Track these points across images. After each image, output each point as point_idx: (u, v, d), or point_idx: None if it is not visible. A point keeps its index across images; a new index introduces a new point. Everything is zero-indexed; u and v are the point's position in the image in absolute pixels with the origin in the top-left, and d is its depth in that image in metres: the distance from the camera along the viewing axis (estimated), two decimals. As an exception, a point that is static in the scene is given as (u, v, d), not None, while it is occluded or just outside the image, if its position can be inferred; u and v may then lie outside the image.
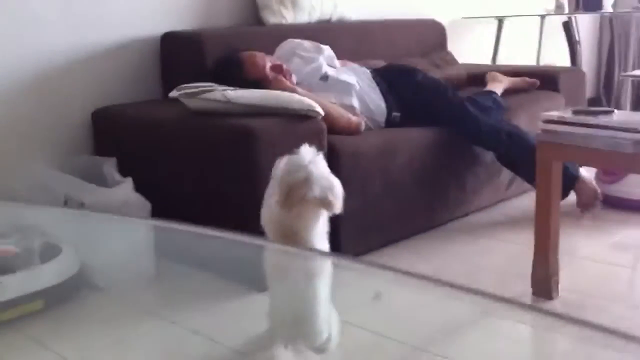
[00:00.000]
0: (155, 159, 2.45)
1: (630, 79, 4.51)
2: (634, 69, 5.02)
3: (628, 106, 4.62)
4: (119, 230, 2.28)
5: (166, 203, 2.41)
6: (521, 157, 2.73)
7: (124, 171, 2.43)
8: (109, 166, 2.42)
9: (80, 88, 2.67)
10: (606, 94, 5.15)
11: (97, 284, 2.26)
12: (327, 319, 1.72)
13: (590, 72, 4.86)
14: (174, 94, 2.33)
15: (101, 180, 2.40)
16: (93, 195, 2.28)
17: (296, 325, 1.70)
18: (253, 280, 2.16)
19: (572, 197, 2.76)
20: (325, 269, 1.77)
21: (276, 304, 1.78)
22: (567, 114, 2.01)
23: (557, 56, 4.68)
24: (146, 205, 2.33)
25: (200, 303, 2.14)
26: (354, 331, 1.91)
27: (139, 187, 2.35)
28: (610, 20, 5.04)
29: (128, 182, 2.34)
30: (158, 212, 2.37)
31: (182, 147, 2.35)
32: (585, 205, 2.78)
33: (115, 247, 2.27)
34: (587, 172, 2.84)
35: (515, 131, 2.74)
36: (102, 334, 1.95)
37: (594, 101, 4.97)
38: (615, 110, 2.02)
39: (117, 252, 2.27)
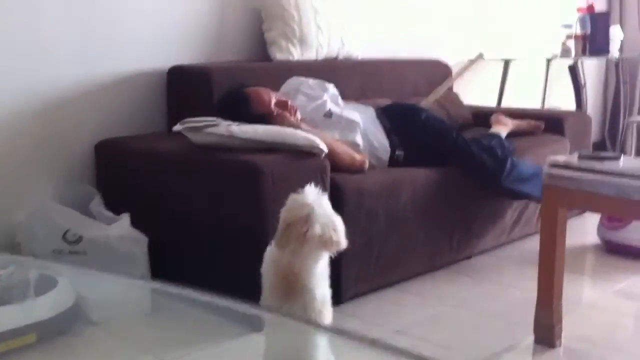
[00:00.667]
0: (157, 192, 2.43)
1: (636, 124, 4.49)
2: (639, 113, 5.01)
3: (633, 151, 4.60)
4: (116, 266, 2.25)
5: (165, 238, 2.38)
6: (525, 174, 2.71)
7: (123, 203, 2.41)
8: (96, 203, 2.42)
9: (85, 119, 2.66)
10: (611, 138, 5.14)
11: (91, 319, 2.22)
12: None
13: (595, 115, 4.85)
14: (177, 127, 2.32)
15: (90, 215, 2.39)
16: (91, 229, 2.26)
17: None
18: (250, 319, 2.12)
19: (574, 240, 2.73)
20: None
21: (271, 345, 1.74)
22: (574, 159, 1.99)
23: (562, 99, 4.68)
24: (143, 239, 2.31)
25: (196, 342, 2.10)
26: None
27: (137, 220, 2.33)
28: (617, 65, 5.05)
29: (125, 218, 2.32)
30: (156, 246, 2.34)
31: (184, 181, 2.33)
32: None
33: (111, 280, 2.24)
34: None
35: (518, 160, 2.74)
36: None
37: (598, 145, 4.96)
38: (622, 156, 2.00)
39: (112, 286, 2.24)
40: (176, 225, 2.37)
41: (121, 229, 2.29)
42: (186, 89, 2.78)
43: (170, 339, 2.13)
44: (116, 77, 2.73)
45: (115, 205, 2.45)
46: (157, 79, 2.82)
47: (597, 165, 1.93)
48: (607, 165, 1.92)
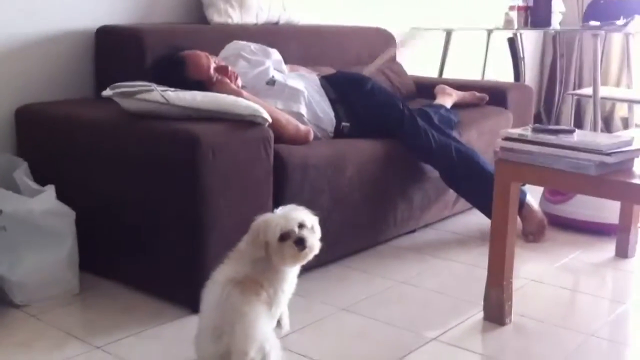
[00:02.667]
0: (84, 162, 2.24)
1: (574, 97, 4.53)
2: (574, 87, 5.07)
3: (571, 124, 4.65)
4: (40, 243, 2.07)
5: (95, 211, 2.21)
6: (467, 181, 2.66)
7: (47, 175, 2.22)
8: (21, 172, 2.20)
9: (4, 82, 2.43)
10: (546, 111, 5.18)
11: (13, 301, 2.04)
12: (261, 342, 1.57)
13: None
14: (107, 92, 2.13)
15: (14, 186, 2.18)
16: (12, 203, 2.06)
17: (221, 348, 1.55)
18: (187, 299, 1.99)
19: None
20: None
21: (204, 328, 1.63)
22: (528, 132, 1.93)
23: (500, 71, 4.67)
24: (70, 214, 2.13)
25: (129, 325, 1.95)
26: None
27: (64, 193, 2.15)
28: (554, 38, 5.08)
29: (50, 191, 2.13)
30: (84, 221, 2.17)
31: (114, 151, 2.15)
32: (531, 233, 2.73)
33: (35, 259, 2.06)
34: (533, 200, 2.80)
35: (466, 152, 2.66)
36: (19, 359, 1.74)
37: (534, 118, 4.99)
38: (576, 130, 1.95)
39: (36, 265, 2.06)
40: (105, 199, 2.20)
41: (45, 202, 2.10)
42: (116, 51, 2.58)
43: (101, 322, 1.98)
44: (38, 37, 2.50)
45: (39, 178, 2.26)
46: (84, 40, 2.61)
47: (552, 138, 1.87)
48: (562, 139, 1.86)
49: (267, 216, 1.65)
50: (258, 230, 1.63)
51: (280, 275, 1.67)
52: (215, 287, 1.62)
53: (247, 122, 2.09)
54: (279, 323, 1.78)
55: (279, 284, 1.67)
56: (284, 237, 1.61)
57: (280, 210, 1.66)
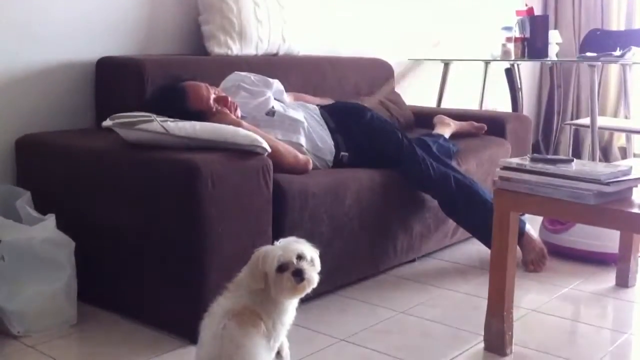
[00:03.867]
0: (84, 193, 2.25)
1: (572, 127, 4.55)
2: (572, 117, 5.10)
3: (570, 154, 4.66)
4: (39, 272, 2.06)
5: (94, 242, 2.20)
6: (466, 210, 2.66)
7: (47, 205, 2.22)
8: (23, 202, 2.20)
9: (4, 112, 2.45)
10: (545, 141, 5.21)
11: (11, 331, 2.03)
12: None
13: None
14: (107, 123, 2.15)
15: (15, 215, 2.18)
16: (11, 232, 2.06)
17: None
18: (186, 330, 1.97)
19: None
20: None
21: (202, 358, 1.61)
22: (526, 162, 1.94)
23: (498, 102, 4.71)
24: (70, 244, 2.12)
25: (127, 356, 1.94)
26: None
27: (64, 223, 2.14)
28: (551, 69, 5.12)
29: (50, 220, 2.13)
30: (84, 251, 2.16)
31: (114, 181, 2.16)
32: (532, 262, 2.73)
33: (35, 290, 2.05)
34: (532, 229, 2.80)
35: (464, 182, 2.66)
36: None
37: (532, 148, 5.01)
38: (574, 160, 1.95)
39: (34, 295, 2.05)
40: (106, 229, 2.20)
41: (45, 231, 2.10)
42: (116, 82, 2.60)
43: (99, 353, 1.96)
44: (38, 68, 2.52)
45: (39, 208, 2.25)
46: (85, 71, 2.63)
47: (550, 168, 1.88)
48: (561, 169, 1.87)
49: (266, 248, 1.65)
50: (257, 261, 1.63)
51: (279, 307, 1.66)
52: (213, 319, 1.61)
53: (246, 152, 2.10)
54: (279, 354, 1.76)
55: (278, 315, 1.66)
56: (282, 268, 1.61)
57: (280, 242, 1.66)
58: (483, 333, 2.03)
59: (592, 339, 2.16)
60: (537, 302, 2.42)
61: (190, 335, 1.95)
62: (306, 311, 2.04)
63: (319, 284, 1.67)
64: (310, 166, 2.40)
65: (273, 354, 1.70)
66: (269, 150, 2.14)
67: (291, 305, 1.70)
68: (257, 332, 1.60)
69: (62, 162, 2.32)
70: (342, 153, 2.59)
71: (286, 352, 1.82)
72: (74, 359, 1.92)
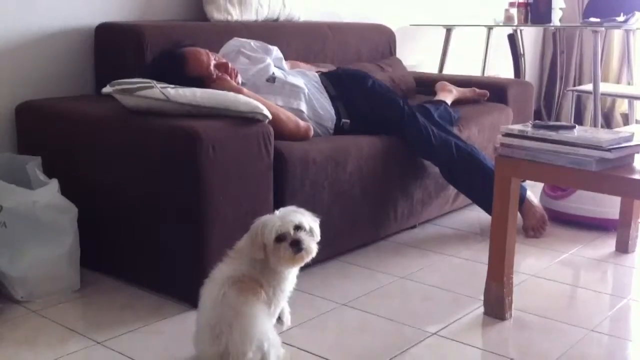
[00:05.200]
0: (85, 160, 2.25)
1: (575, 93, 4.52)
2: (574, 84, 5.07)
3: (571, 120, 4.65)
4: (41, 238, 2.07)
5: (95, 208, 2.21)
6: (467, 177, 2.66)
7: (49, 172, 2.22)
8: (33, 166, 2.20)
9: (4, 79, 2.43)
10: (547, 107, 5.18)
11: (14, 297, 2.05)
12: (259, 340, 1.58)
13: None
14: (107, 89, 2.13)
15: (24, 181, 2.18)
16: (13, 197, 2.06)
17: (220, 347, 1.56)
18: (188, 295, 1.99)
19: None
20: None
21: (202, 327, 1.63)
22: (528, 128, 1.93)
23: (501, 68, 4.67)
24: (73, 209, 2.13)
25: (130, 320, 1.96)
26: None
27: (65, 190, 2.15)
28: (554, 35, 5.07)
29: (53, 184, 2.13)
30: (86, 217, 2.17)
31: (115, 148, 2.16)
32: (532, 229, 2.74)
33: (37, 256, 2.07)
34: (533, 195, 2.80)
35: (465, 149, 2.66)
36: (23, 355, 1.74)
37: (535, 114, 4.99)
38: (576, 126, 1.95)
39: (37, 261, 2.06)
40: (107, 196, 2.20)
41: (48, 195, 2.09)
42: (116, 48, 2.58)
43: (102, 318, 1.98)
44: (38, 34, 2.50)
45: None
46: (84, 37, 2.61)
47: (552, 134, 1.87)
48: (563, 135, 1.86)
49: (265, 218, 1.66)
50: (257, 231, 1.63)
51: (279, 275, 1.67)
52: (213, 286, 1.62)
53: (247, 119, 2.09)
54: (279, 319, 1.78)
55: (278, 283, 1.67)
56: (280, 238, 1.61)
57: (279, 212, 1.66)
58: (483, 298, 2.05)
59: (591, 303, 2.18)
60: (536, 267, 2.43)
61: (191, 300, 1.96)
62: (307, 276, 2.06)
63: (320, 250, 1.67)
64: (311, 133, 2.39)
65: (274, 320, 1.71)
66: (270, 117, 2.13)
67: (291, 274, 1.71)
68: (256, 300, 1.61)
69: (62, 129, 2.31)
70: (343, 120, 2.59)
71: (287, 317, 1.84)
72: (77, 324, 1.94)
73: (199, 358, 1.65)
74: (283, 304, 1.75)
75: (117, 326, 1.91)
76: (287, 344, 1.77)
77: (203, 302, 1.64)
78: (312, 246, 1.63)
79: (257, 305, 1.61)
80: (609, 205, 2.73)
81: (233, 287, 1.59)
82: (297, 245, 1.60)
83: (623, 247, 2.59)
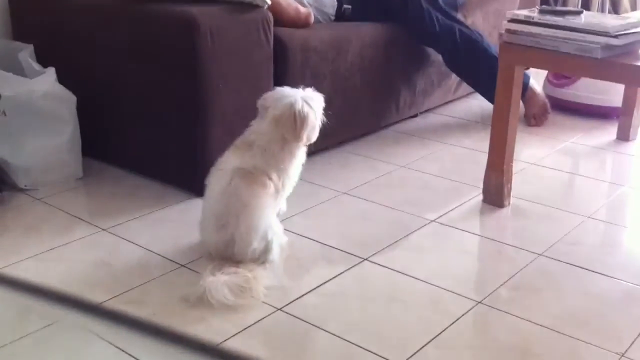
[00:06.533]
0: (82, 48, 2.20)
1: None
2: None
3: (579, 5, 4.51)
4: (41, 127, 2.07)
5: (95, 97, 2.19)
6: (470, 65, 2.62)
7: (45, 60, 2.18)
8: (25, 55, 2.16)
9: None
10: (554, -7, 5.02)
11: (17, 185, 2.07)
12: (264, 231, 1.61)
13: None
14: (102, -27, 2.06)
15: (17, 69, 2.14)
16: (11, 86, 2.04)
17: (225, 236, 1.59)
18: (190, 184, 2.01)
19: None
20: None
21: (208, 215, 1.66)
22: (534, 14, 1.88)
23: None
24: (71, 98, 2.11)
25: (133, 208, 1.99)
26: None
27: (63, 79, 2.12)
28: None
29: (50, 73, 2.10)
30: (86, 106, 2.16)
31: (113, 36, 2.11)
32: (534, 117, 2.72)
33: (38, 144, 2.07)
34: (536, 83, 2.76)
35: (470, 35, 2.60)
36: (30, 241, 1.79)
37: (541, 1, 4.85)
38: (584, 11, 1.89)
39: (38, 150, 2.07)
40: (105, 85, 2.18)
41: (46, 84, 2.07)
42: None
43: (106, 205, 2.02)
44: None
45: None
46: None
47: (559, 20, 1.82)
48: (569, 21, 1.81)
49: (292, 97, 1.68)
50: (295, 119, 1.66)
51: (288, 165, 1.68)
52: (222, 175, 1.63)
53: (246, 5, 2.03)
54: None
55: (287, 174, 1.68)
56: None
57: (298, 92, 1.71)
58: (482, 186, 2.07)
59: (589, 191, 2.20)
60: (537, 155, 2.44)
61: (193, 188, 1.99)
62: (309, 165, 2.07)
63: (322, 139, 1.67)
64: (312, 19, 2.33)
65: (277, 209, 1.74)
66: (269, 2, 2.07)
67: (300, 159, 1.72)
68: (265, 193, 1.62)
69: (57, 16, 2.25)
70: (345, 6, 2.51)
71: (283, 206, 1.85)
72: (82, 211, 1.97)
73: (204, 244, 1.69)
74: (289, 192, 1.76)
75: (122, 213, 1.94)
76: (289, 231, 1.81)
77: (211, 191, 1.65)
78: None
79: (264, 198, 1.62)
80: (612, 93, 2.71)
81: (243, 179, 1.60)
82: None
83: (624, 135, 2.59)
